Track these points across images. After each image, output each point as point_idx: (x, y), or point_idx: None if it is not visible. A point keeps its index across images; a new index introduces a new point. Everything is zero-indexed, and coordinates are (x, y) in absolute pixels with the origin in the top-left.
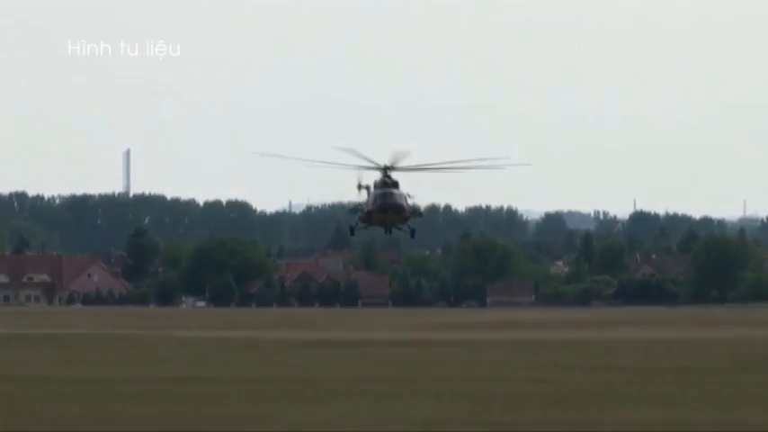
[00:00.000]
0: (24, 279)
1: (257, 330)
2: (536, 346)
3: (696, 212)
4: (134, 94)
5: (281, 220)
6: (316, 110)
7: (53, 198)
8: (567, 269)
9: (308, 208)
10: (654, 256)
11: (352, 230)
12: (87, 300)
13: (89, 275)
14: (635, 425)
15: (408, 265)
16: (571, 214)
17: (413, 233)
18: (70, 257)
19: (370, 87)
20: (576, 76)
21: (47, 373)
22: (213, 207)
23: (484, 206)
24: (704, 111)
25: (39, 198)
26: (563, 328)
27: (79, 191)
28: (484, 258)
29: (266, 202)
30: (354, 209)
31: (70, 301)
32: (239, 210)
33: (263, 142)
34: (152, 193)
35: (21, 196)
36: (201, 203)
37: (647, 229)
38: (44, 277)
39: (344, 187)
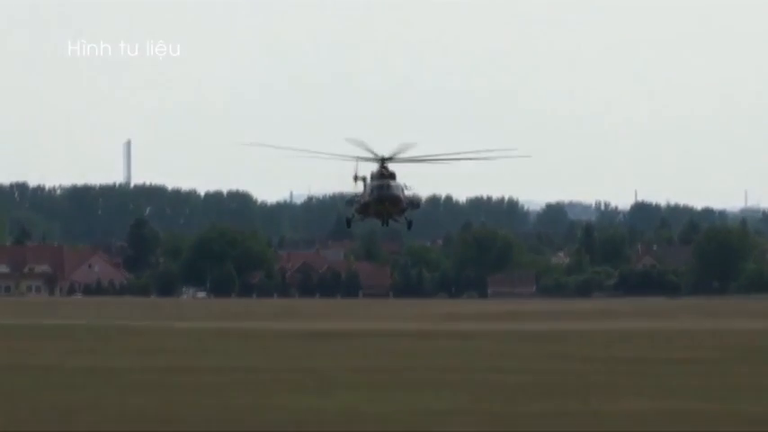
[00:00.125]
0: (25, 270)
1: (258, 321)
2: (537, 336)
3: (698, 203)
4: (135, 85)
5: (282, 210)
6: (316, 102)
7: (54, 188)
8: (568, 260)
9: (309, 198)
10: (655, 247)
11: (348, 222)
12: (88, 290)
13: (90, 266)
14: (636, 415)
15: (409, 255)
16: (572, 205)
17: (409, 225)
18: (71, 248)
19: (369, 79)
20: (579, 67)
21: (51, 364)
22: (214, 197)
23: (485, 197)
24: (706, 102)
25: (40, 188)
26: (564, 318)
27: (80, 181)
28: (485, 249)
29: (267, 192)
30: (351, 200)
31: (71, 291)
32: (240, 200)
33: (264, 133)
34: (153, 184)
35: (22, 186)
36: (202, 194)
37: (649, 220)
38: (45, 268)
39: (346, 178)
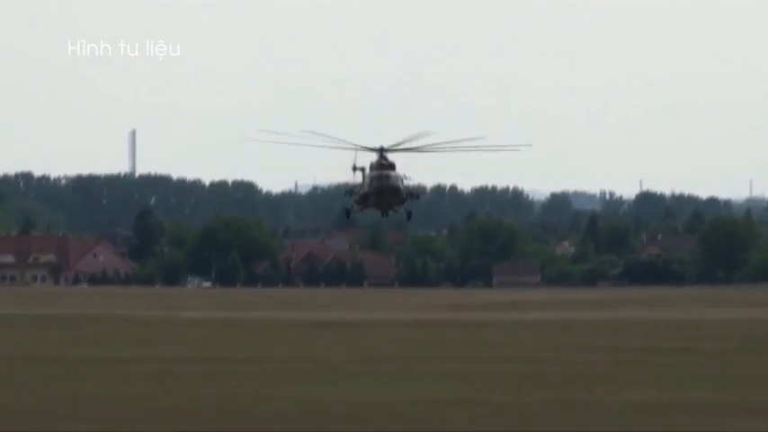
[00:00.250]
0: (30, 259)
1: (263, 311)
2: (542, 326)
3: (702, 193)
4: (140, 75)
5: (287, 200)
6: (317, 102)
7: (59, 178)
8: (572, 249)
9: (314, 188)
10: (660, 236)
11: (347, 213)
12: (93, 280)
13: (95, 256)
14: (641, 404)
15: (414, 245)
16: (577, 194)
17: (409, 215)
18: (76, 238)
19: (369, 71)
20: (582, 56)
21: (56, 354)
22: (219, 187)
23: (490, 186)
24: (711, 91)
25: (45, 178)
26: (569, 308)
27: (85, 171)
28: (490, 239)
29: (272, 182)
30: (349, 191)
31: (76, 281)
32: (245, 190)
33: (269, 123)
34: (158, 174)
35: (27, 177)
36: (207, 184)
37: (654, 210)
38: (50, 257)
39: (348, 169)
